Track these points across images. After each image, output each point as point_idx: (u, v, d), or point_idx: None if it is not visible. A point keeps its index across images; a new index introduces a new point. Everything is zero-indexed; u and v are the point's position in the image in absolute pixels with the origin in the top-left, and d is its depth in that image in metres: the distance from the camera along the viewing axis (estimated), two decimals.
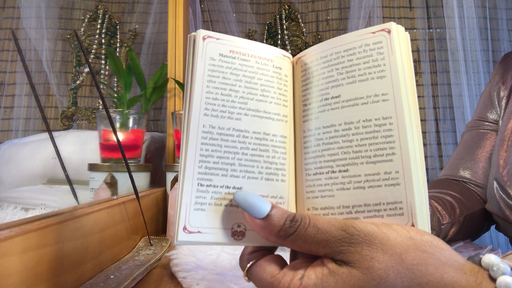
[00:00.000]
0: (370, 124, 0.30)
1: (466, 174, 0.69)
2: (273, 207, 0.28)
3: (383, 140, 0.29)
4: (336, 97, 0.32)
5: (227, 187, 0.30)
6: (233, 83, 0.32)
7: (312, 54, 0.35)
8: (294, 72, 0.36)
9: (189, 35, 0.33)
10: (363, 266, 0.25)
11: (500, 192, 0.59)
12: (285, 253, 0.32)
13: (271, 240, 0.29)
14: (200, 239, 0.29)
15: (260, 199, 0.29)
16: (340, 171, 0.30)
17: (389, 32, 0.31)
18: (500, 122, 0.67)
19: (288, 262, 0.31)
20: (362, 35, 0.32)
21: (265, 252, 0.31)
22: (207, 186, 0.30)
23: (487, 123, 0.71)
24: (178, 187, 0.30)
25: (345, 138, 0.31)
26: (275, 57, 0.34)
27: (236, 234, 0.30)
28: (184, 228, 0.29)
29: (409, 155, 0.28)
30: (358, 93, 0.31)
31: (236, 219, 0.30)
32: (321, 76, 0.33)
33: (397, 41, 0.31)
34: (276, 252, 0.32)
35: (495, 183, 0.61)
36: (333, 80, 0.32)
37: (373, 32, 0.32)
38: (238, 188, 0.31)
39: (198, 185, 0.30)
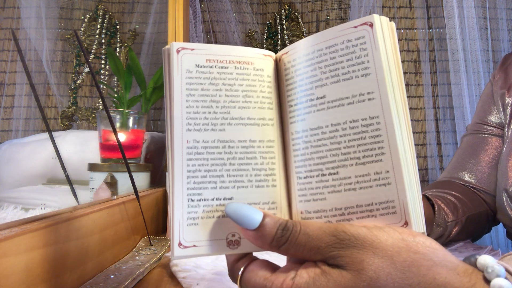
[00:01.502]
0: (357, 124, 0.29)
1: (468, 178, 0.68)
2: (265, 216, 0.28)
3: (371, 140, 0.29)
4: (321, 97, 0.31)
5: (218, 199, 0.30)
6: (213, 93, 0.31)
7: (294, 52, 0.33)
8: (278, 70, 0.34)
9: (163, 49, 0.32)
10: (354, 268, 0.25)
11: (510, 203, 0.59)
12: (281, 260, 0.31)
13: (265, 249, 0.29)
14: (196, 252, 0.29)
15: (251, 210, 0.28)
16: (330, 173, 0.30)
17: (371, 25, 0.29)
18: (506, 130, 0.66)
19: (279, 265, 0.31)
20: (343, 30, 0.30)
21: (251, 255, 0.31)
22: (197, 200, 0.30)
23: (489, 128, 0.70)
24: (169, 204, 0.29)
25: (333, 140, 0.30)
26: (256, 59, 0.33)
27: (231, 243, 0.30)
28: (180, 244, 0.29)
29: (398, 154, 0.28)
30: (343, 93, 0.30)
31: (230, 229, 0.30)
32: (305, 75, 0.32)
33: (380, 35, 0.29)
34: (272, 255, 0.31)
35: (504, 194, 0.60)
36: (317, 80, 0.31)
37: (355, 27, 0.30)
38: (229, 199, 0.30)
39: (188, 201, 0.29)
